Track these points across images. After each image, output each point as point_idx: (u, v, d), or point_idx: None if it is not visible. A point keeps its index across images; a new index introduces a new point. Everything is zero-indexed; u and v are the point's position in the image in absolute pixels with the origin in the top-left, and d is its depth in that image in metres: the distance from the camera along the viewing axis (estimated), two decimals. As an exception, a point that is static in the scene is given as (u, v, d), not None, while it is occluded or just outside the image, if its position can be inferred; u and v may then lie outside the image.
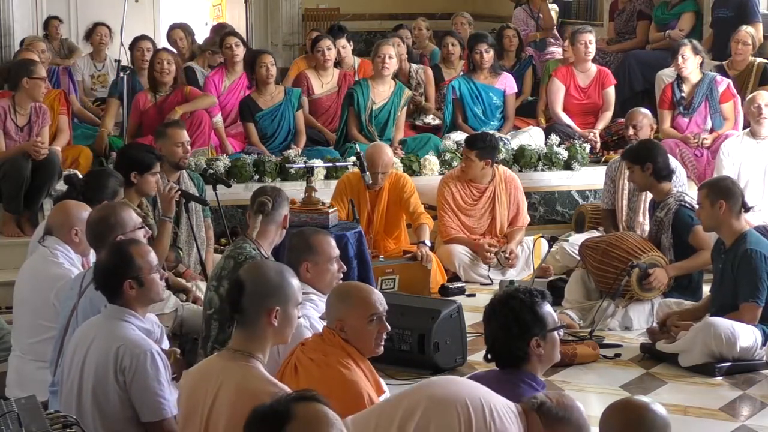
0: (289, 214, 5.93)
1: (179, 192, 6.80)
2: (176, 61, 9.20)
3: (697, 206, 6.84)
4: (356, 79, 9.93)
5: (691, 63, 9.10)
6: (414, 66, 10.30)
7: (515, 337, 4.01)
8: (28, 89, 8.10)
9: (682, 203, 7.34)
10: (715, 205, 6.53)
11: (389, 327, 4.49)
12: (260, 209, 5.69)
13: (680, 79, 9.23)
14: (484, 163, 8.25)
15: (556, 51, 11.35)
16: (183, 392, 4.07)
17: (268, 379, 3.91)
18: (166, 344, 4.96)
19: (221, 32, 11.15)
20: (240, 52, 9.67)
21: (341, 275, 5.33)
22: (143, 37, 10.48)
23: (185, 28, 12.03)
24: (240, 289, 3.98)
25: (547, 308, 4.08)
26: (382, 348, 4.49)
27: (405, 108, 9.46)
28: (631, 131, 8.33)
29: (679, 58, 9.09)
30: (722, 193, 6.54)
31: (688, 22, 10.68)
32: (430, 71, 10.40)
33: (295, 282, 4.09)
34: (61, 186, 7.94)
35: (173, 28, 12.31)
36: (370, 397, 4.27)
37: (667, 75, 9.99)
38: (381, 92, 9.32)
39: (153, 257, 4.56)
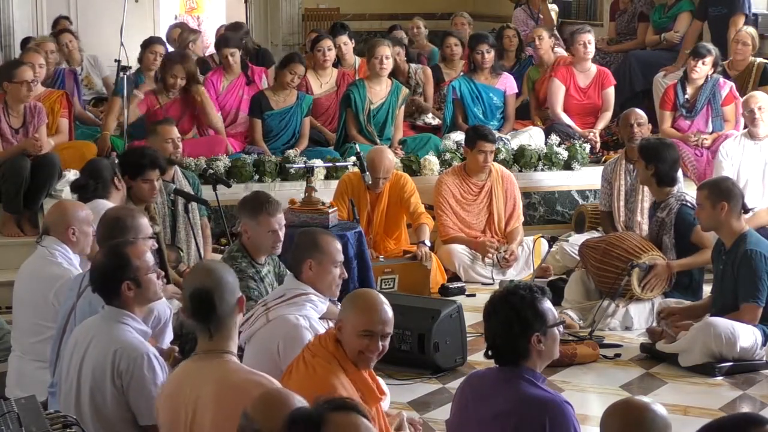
0: (288, 213, 5.93)
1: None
2: (187, 70, 9.07)
3: (696, 206, 6.83)
4: (356, 78, 9.93)
5: (706, 71, 9.07)
6: (413, 66, 10.29)
7: (516, 333, 4.00)
8: (11, 93, 8.08)
9: (684, 203, 7.34)
10: (716, 206, 6.52)
11: (381, 349, 4.35)
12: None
13: (684, 81, 9.22)
14: (493, 154, 8.41)
15: (557, 51, 11.34)
16: (162, 402, 4.05)
17: (247, 369, 3.94)
18: (170, 333, 4.96)
19: (235, 30, 11.11)
20: (236, 60, 9.68)
21: (341, 282, 5.28)
22: (157, 40, 10.45)
23: (185, 28, 12.02)
24: (210, 299, 3.97)
25: (547, 304, 4.08)
26: (370, 365, 4.37)
27: (403, 107, 9.46)
28: (636, 129, 8.23)
29: (700, 63, 9.04)
30: (724, 195, 6.54)
31: (685, 22, 10.67)
32: (429, 71, 10.39)
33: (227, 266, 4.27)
34: (65, 188, 7.96)
35: (173, 27, 12.30)
36: None
37: (663, 77, 10.00)
38: (378, 92, 9.31)
39: (149, 257, 4.56)
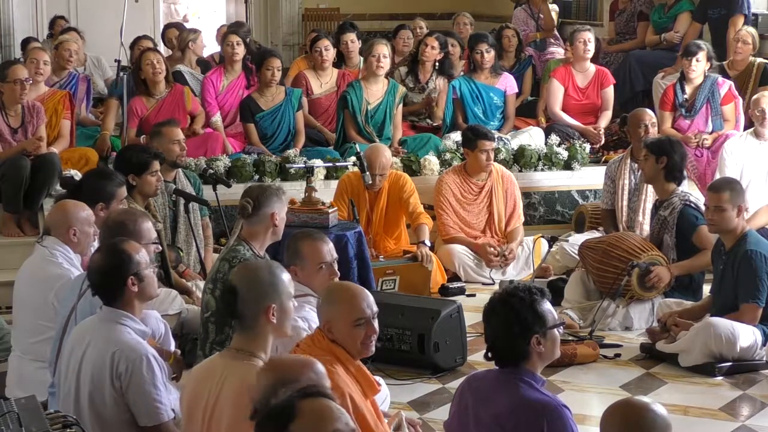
0: (287, 213, 5.90)
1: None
2: (164, 60, 9.16)
3: (704, 207, 6.84)
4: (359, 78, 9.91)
5: (701, 67, 9.08)
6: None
7: (516, 335, 4.00)
8: (6, 92, 8.07)
9: (687, 202, 7.34)
10: (735, 208, 6.54)
11: (377, 330, 4.41)
12: (240, 212, 5.72)
13: (683, 80, 9.21)
14: (494, 152, 8.43)
15: (556, 51, 11.34)
16: (185, 391, 4.12)
17: None
18: (172, 343, 4.96)
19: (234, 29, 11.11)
20: (240, 51, 9.59)
21: (334, 280, 5.28)
22: (144, 37, 10.44)
23: (180, 28, 12.01)
24: (233, 294, 4.07)
25: (547, 306, 4.08)
26: (372, 349, 4.42)
27: (401, 105, 9.45)
28: (651, 129, 8.23)
29: (693, 60, 9.04)
30: (742, 197, 6.60)
31: (685, 22, 10.66)
32: (446, 82, 10.22)
33: (285, 276, 4.19)
34: (59, 188, 7.95)
35: (168, 27, 12.28)
36: (353, 399, 4.23)
37: (662, 79, 9.99)
38: (375, 92, 9.31)
39: (145, 253, 4.58)
